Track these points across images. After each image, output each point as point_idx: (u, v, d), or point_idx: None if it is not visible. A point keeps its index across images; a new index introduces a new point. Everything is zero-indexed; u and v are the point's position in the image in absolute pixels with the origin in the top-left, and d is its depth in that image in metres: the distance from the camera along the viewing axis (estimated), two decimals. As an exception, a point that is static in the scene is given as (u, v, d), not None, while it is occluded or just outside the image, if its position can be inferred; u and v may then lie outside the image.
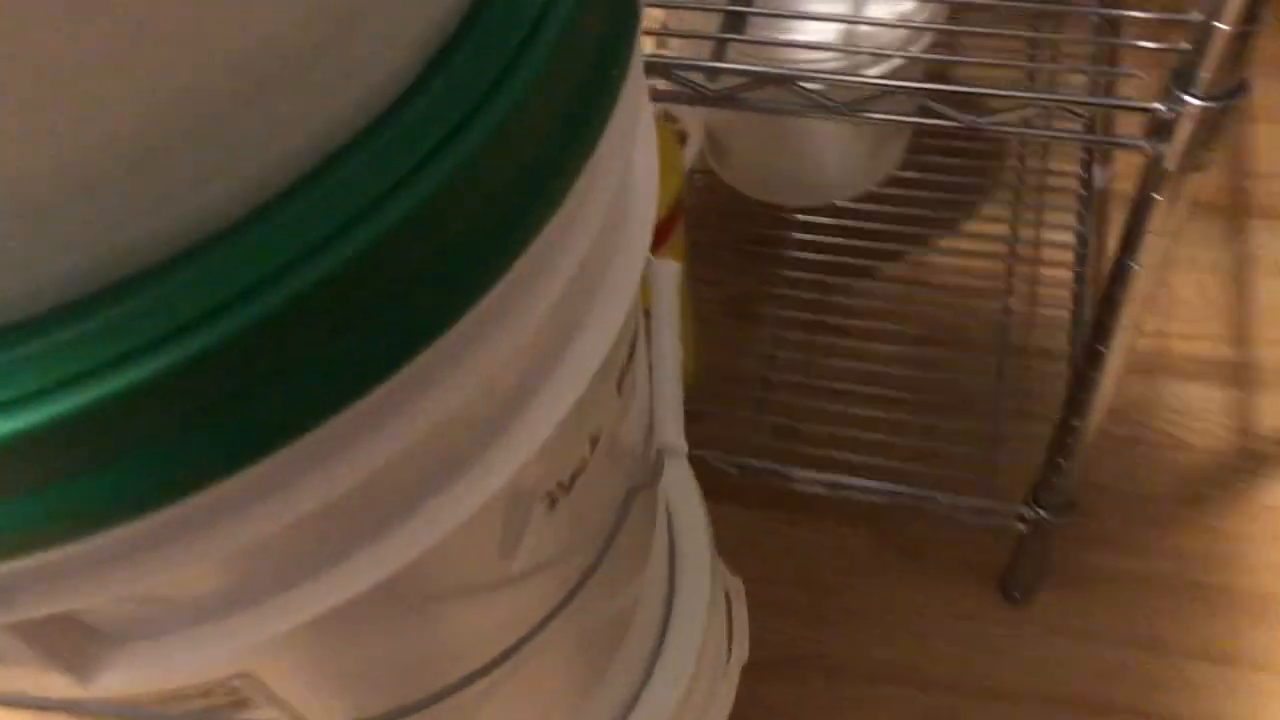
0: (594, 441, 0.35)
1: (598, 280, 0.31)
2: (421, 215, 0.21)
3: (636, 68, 0.29)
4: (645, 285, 0.44)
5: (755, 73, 0.54)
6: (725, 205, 1.00)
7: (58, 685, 0.26)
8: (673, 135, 0.72)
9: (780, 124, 0.90)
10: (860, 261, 0.97)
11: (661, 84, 0.55)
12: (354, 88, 0.21)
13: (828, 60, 0.67)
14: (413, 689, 0.35)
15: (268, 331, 0.20)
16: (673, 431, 0.41)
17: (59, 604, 0.24)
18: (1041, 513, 0.77)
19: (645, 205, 0.33)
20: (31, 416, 0.19)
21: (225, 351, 0.20)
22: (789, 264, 0.97)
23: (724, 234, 1.00)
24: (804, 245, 0.97)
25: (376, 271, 0.21)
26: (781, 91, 0.55)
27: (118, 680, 0.27)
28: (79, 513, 0.21)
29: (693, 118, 0.94)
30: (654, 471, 0.41)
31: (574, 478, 0.35)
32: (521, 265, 0.25)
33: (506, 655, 0.37)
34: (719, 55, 0.56)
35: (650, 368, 0.43)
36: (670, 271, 0.46)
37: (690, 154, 0.92)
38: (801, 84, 0.54)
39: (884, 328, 0.97)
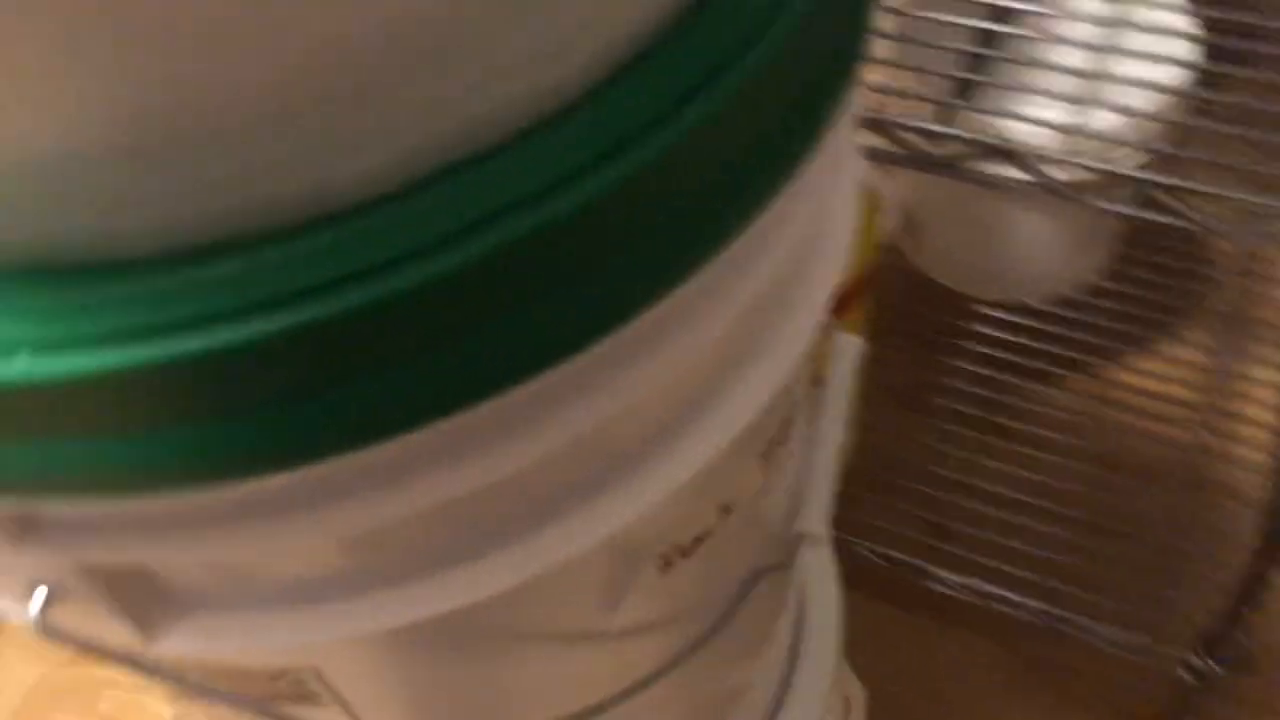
0: (724, 510, 0.32)
1: (776, 317, 0.28)
2: (682, 150, 0.20)
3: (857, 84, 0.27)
4: (819, 357, 0.41)
5: (983, 143, 0.51)
6: (909, 286, 0.96)
7: (120, 636, 0.25)
8: (864, 201, 0.69)
9: (982, 210, 0.86)
10: (1044, 366, 0.92)
11: (879, 142, 0.52)
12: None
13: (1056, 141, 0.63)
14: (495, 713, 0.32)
15: (522, 255, 0.19)
16: (817, 519, 0.38)
17: (137, 554, 0.23)
18: (1212, 664, 0.70)
19: (836, 249, 0.31)
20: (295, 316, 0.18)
21: (477, 273, 0.19)
22: (969, 357, 0.92)
23: (904, 315, 0.96)
24: (988, 340, 0.92)
25: (630, 206, 0.20)
26: (1004, 167, 0.51)
27: (180, 645, 0.25)
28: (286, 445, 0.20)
29: (889, 193, 0.90)
30: (789, 555, 0.38)
31: (695, 543, 0.32)
32: (738, 245, 0.23)
33: (593, 712, 0.35)
34: (942, 122, 0.52)
35: (809, 446, 0.40)
36: (852, 347, 0.43)
37: (884, 231, 0.89)
38: (1029, 160, 0.50)
39: (1060, 439, 0.91)
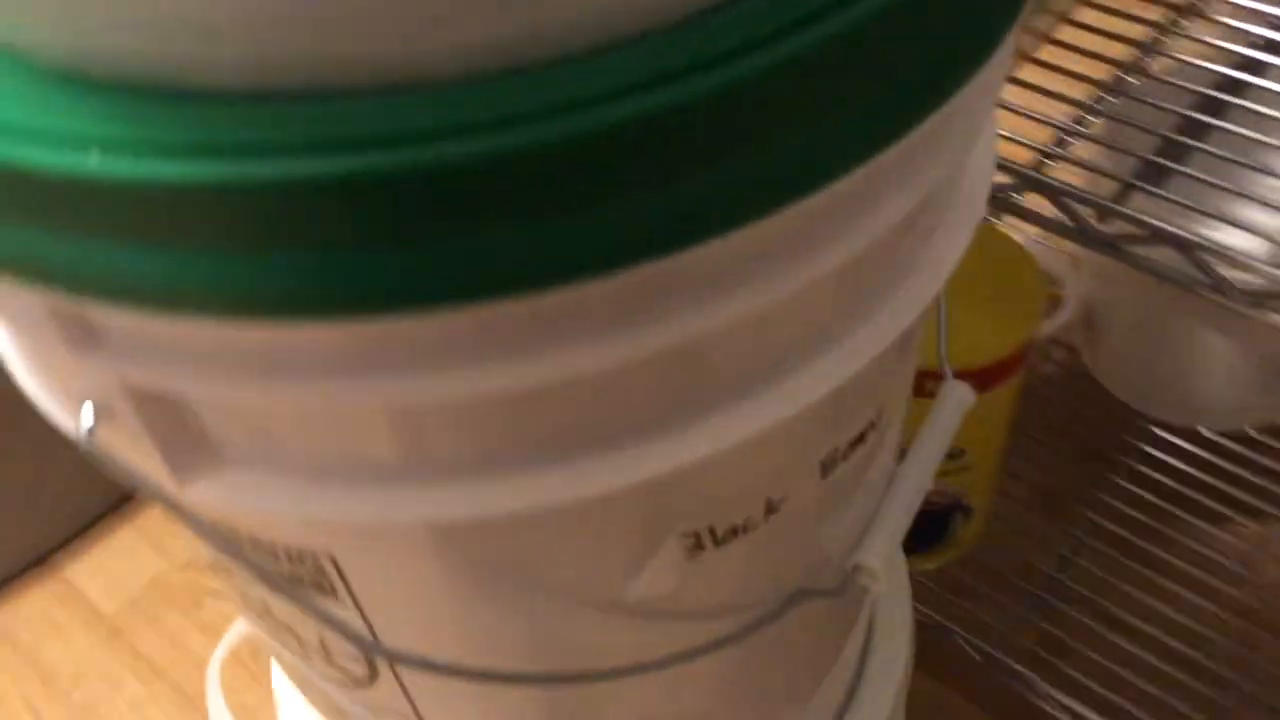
0: (769, 508, 0.31)
1: (906, 261, 0.29)
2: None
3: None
4: (916, 403, 0.39)
5: (1155, 227, 0.48)
6: (1078, 387, 0.92)
7: (156, 471, 0.26)
8: (1036, 276, 0.67)
9: (1167, 321, 0.82)
10: (1208, 501, 0.86)
11: (1045, 208, 0.50)
12: None
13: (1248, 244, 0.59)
14: (494, 658, 0.32)
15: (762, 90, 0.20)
16: (877, 554, 0.36)
17: (182, 383, 0.24)
18: None
19: (966, 214, 0.30)
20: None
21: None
22: (1125, 473, 0.87)
23: (1066, 416, 0.91)
24: (1150, 461, 0.87)
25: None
26: (1177, 260, 0.49)
27: (208, 493, 0.26)
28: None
29: (1073, 285, 0.87)
30: (840, 585, 0.37)
31: (730, 533, 0.31)
32: (919, 134, 0.24)
33: (596, 677, 0.34)
34: (1120, 203, 0.50)
35: (888, 479, 0.39)
36: (961, 396, 0.41)
37: (1058, 322, 0.86)
38: (1201, 254, 0.47)
39: (1209, 582, 0.84)
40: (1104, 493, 0.86)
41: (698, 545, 0.31)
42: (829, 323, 0.28)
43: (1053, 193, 0.49)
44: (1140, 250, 0.49)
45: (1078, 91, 0.56)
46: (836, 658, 0.48)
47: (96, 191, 0.20)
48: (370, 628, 0.32)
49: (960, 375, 0.64)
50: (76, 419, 0.26)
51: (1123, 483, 0.86)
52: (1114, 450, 0.89)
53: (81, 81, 0.21)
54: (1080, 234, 0.50)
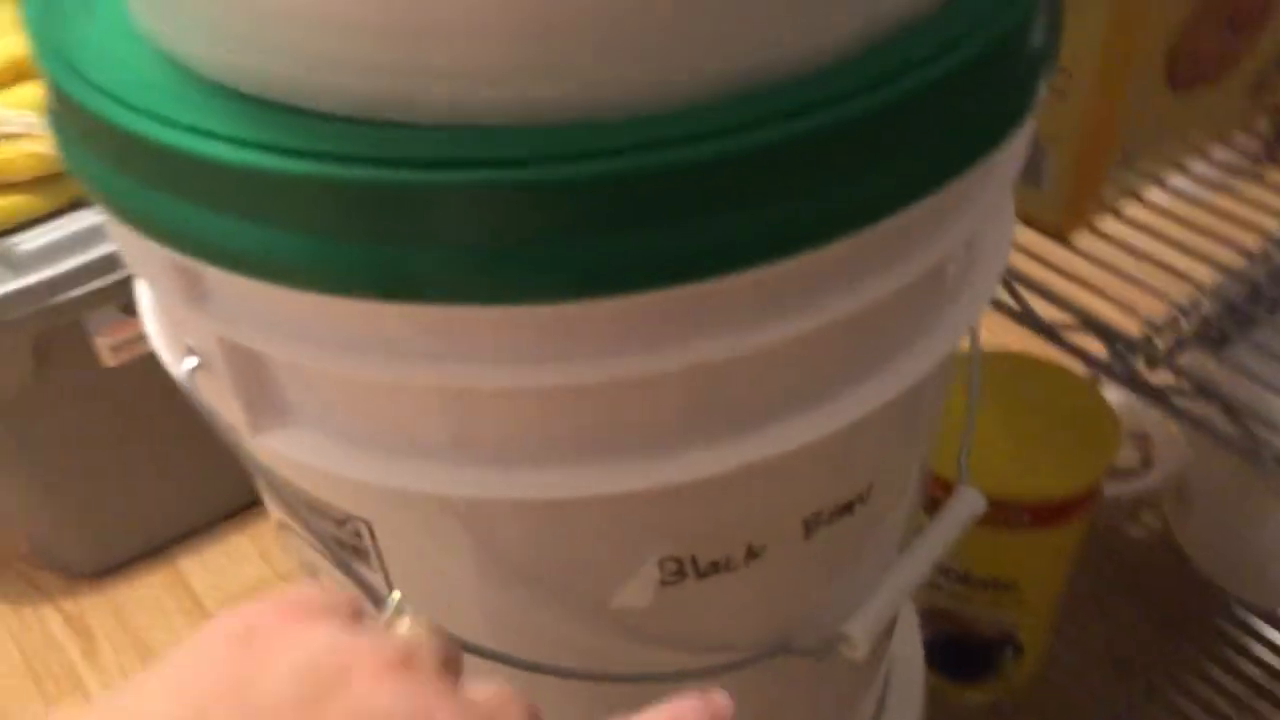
0: (750, 551, 0.35)
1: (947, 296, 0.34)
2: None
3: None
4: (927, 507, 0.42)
5: (1201, 382, 0.50)
6: (1160, 554, 0.91)
7: (235, 417, 0.32)
8: (1111, 426, 0.68)
9: (1257, 500, 0.81)
10: (1281, 691, 0.84)
11: (1097, 350, 0.53)
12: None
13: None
14: (497, 640, 0.36)
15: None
16: (861, 627, 0.39)
17: (272, 346, 0.30)
18: None
19: (989, 270, 0.36)
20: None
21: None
22: (1197, 648, 0.86)
23: (1143, 580, 0.90)
24: (1225, 639, 0.85)
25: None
26: (1226, 426, 0.51)
27: (275, 443, 0.32)
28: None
29: (1164, 448, 0.87)
30: (821, 649, 0.40)
31: (712, 568, 0.35)
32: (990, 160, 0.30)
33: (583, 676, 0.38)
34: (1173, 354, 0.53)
35: (885, 564, 0.42)
36: (971, 503, 0.44)
37: (1145, 484, 0.86)
38: (1245, 415, 0.49)
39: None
40: (1172, 663, 0.85)
41: (680, 572, 0.35)
42: (828, 375, 0.32)
43: (1105, 335, 0.52)
44: (1186, 404, 0.51)
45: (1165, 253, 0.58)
46: (853, 708, 0.50)
47: (224, 172, 0.26)
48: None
49: (1020, 509, 0.66)
50: (181, 363, 0.32)
51: (1199, 657, 0.85)
52: (1190, 623, 0.87)
53: (228, 92, 0.27)
54: (1128, 380, 0.52)
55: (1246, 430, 0.49)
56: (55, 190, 0.86)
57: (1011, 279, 0.56)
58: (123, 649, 0.97)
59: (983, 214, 0.32)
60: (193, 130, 0.26)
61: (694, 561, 0.35)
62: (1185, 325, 0.54)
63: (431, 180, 0.25)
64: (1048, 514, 0.67)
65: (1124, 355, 0.52)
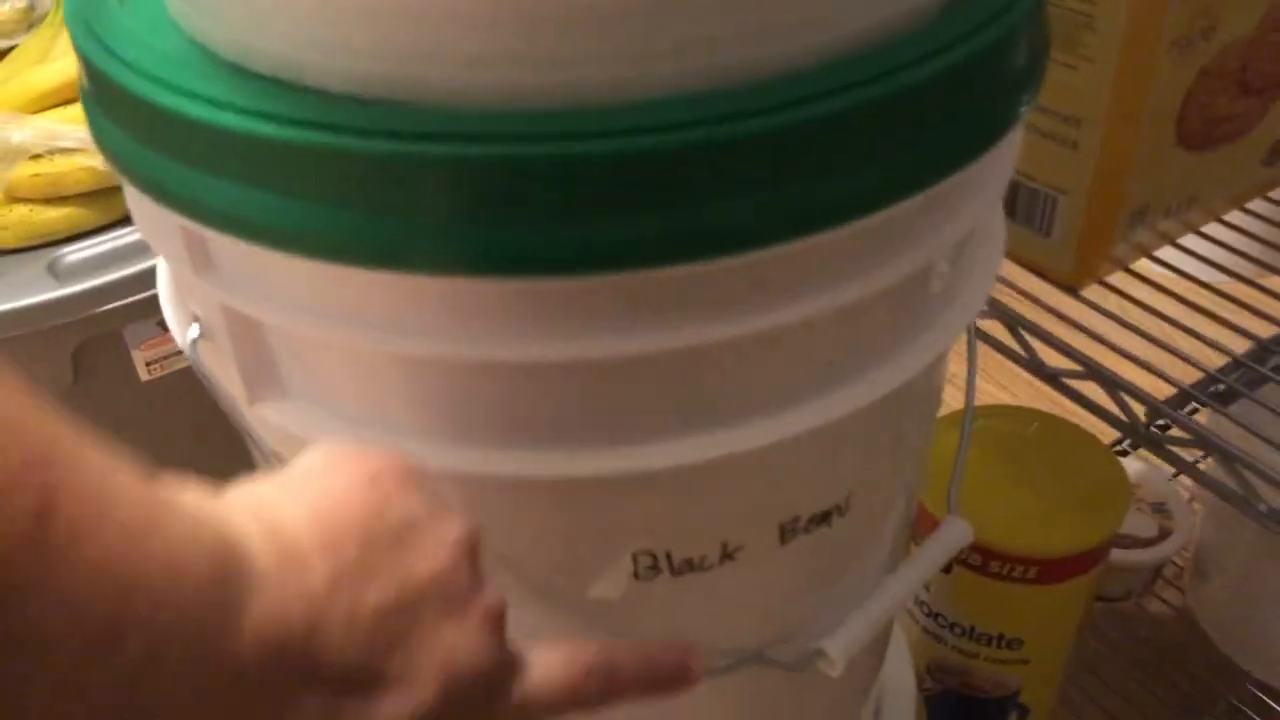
0: (725, 552, 0.36)
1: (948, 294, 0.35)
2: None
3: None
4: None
5: (1202, 435, 0.51)
6: (1177, 629, 0.90)
7: (234, 387, 0.33)
8: (1122, 488, 0.68)
9: (1273, 580, 0.80)
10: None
11: (1104, 401, 0.53)
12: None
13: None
14: None
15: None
16: (838, 644, 0.39)
17: (271, 316, 0.32)
18: None
19: (987, 265, 0.38)
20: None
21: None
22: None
23: (1159, 655, 0.89)
24: (1239, 717, 0.84)
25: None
26: (1224, 477, 0.51)
27: (270, 415, 0.33)
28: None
29: (1182, 519, 0.86)
30: (798, 662, 0.40)
31: (686, 565, 0.36)
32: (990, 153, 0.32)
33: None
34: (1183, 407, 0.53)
35: (870, 586, 0.42)
36: (959, 532, 0.44)
37: (1163, 553, 0.85)
38: (1249, 473, 0.49)
39: None
40: (1185, 738, 0.84)
41: (654, 567, 0.36)
42: (808, 374, 0.33)
43: (1108, 383, 0.52)
44: (1188, 456, 0.51)
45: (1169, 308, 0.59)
46: None
47: (234, 140, 0.28)
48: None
49: (1027, 563, 0.66)
50: (187, 332, 0.34)
51: (1208, 733, 0.84)
52: (1206, 701, 0.86)
53: (241, 71, 0.29)
54: (1130, 429, 0.52)
55: (1243, 481, 0.49)
56: (106, 205, 0.89)
57: (1020, 327, 0.56)
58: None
59: (966, 224, 0.33)
60: (198, 98, 0.28)
61: (669, 557, 0.36)
62: (1189, 381, 0.54)
63: (415, 152, 0.26)
64: (1055, 570, 0.67)
65: (1126, 404, 0.52)
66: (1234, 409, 0.53)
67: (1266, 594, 0.82)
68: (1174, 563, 0.92)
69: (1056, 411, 0.71)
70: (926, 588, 0.71)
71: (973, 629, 0.71)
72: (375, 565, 0.25)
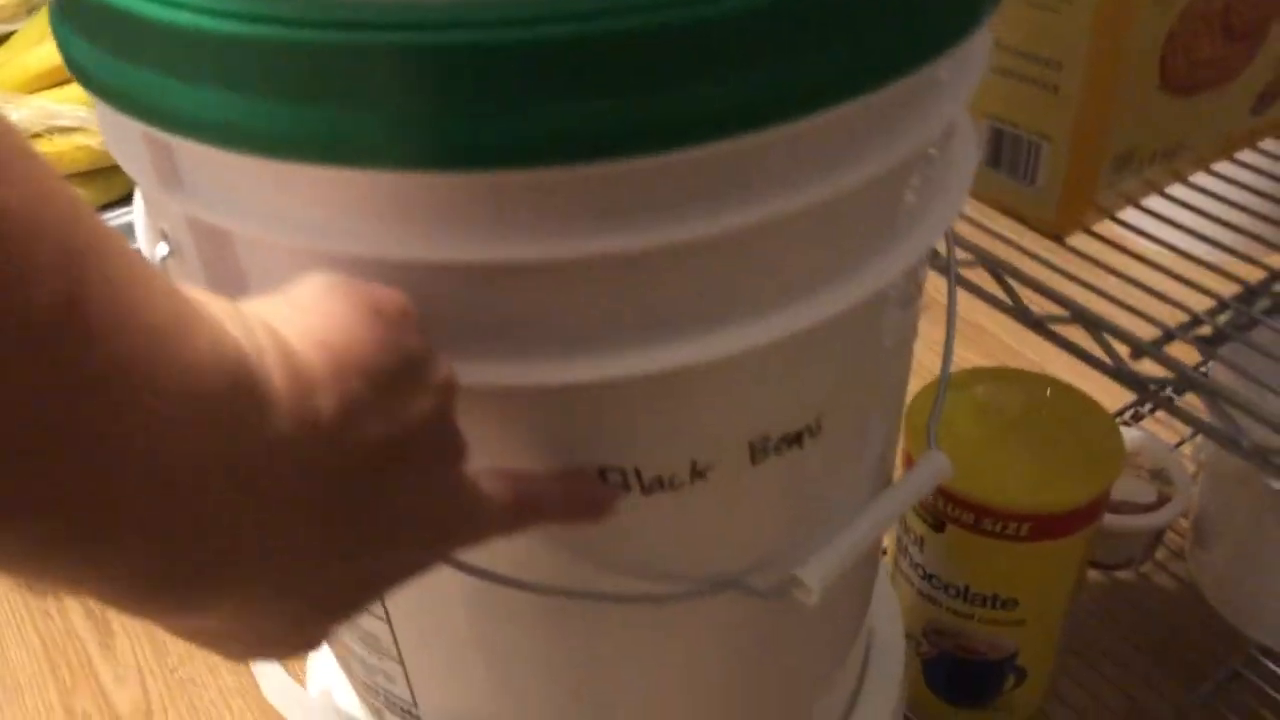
0: (695, 470, 0.36)
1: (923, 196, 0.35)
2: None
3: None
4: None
5: (1183, 370, 0.50)
6: (1179, 598, 0.89)
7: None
8: (1115, 446, 0.68)
9: (1274, 546, 0.80)
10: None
11: (1097, 350, 0.53)
12: None
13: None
14: None
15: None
16: (813, 572, 0.39)
17: (233, 223, 0.32)
18: None
19: (960, 179, 0.38)
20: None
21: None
22: (1213, 693, 0.83)
23: (1160, 624, 0.89)
24: (1243, 684, 0.83)
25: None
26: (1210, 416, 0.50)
27: None
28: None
29: (1182, 485, 0.86)
30: (773, 589, 0.40)
31: (657, 483, 0.36)
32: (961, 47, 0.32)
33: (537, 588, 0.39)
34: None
35: (847, 513, 0.42)
36: (938, 466, 0.44)
37: (1163, 519, 0.85)
38: (1229, 406, 0.49)
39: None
40: (1187, 707, 0.83)
41: (624, 484, 0.36)
42: (773, 281, 0.33)
43: (1094, 328, 0.52)
44: (1170, 395, 0.51)
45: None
46: (827, 677, 0.50)
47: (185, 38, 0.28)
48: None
49: (1017, 519, 0.66)
50: (153, 249, 0.34)
51: (1211, 702, 0.83)
52: (1209, 667, 0.85)
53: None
54: (1114, 371, 0.52)
55: (1227, 418, 0.49)
56: (105, 184, 0.90)
57: (1004, 273, 0.56)
58: (138, 642, 0.99)
59: (937, 126, 0.33)
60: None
61: (638, 475, 0.36)
62: (1175, 322, 0.54)
63: (372, 41, 0.26)
64: (1047, 527, 0.66)
65: (1110, 346, 0.52)
66: (1220, 352, 0.53)
67: (1267, 559, 0.82)
68: (1174, 532, 0.91)
69: (1040, 360, 0.71)
70: (920, 549, 0.71)
71: (967, 589, 0.70)
72: (378, 402, 0.26)
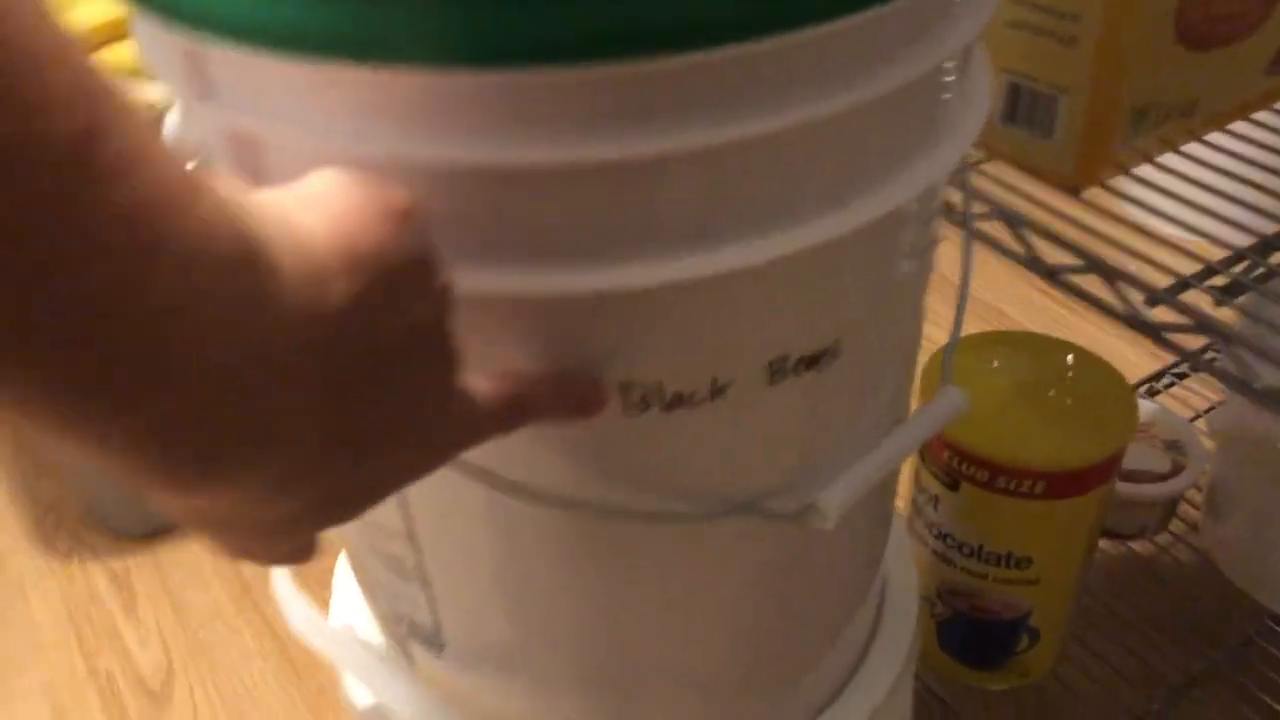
0: (715, 387, 0.37)
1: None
2: None
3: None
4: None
5: (1200, 316, 0.51)
6: (1192, 567, 0.89)
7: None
8: (1128, 405, 0.68)
9: (1291, 506, 0.80)
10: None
11: (1112, 300, 0.53)
12: None
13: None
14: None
15: None
16: (832, 498, 0.40)
17: (262, 129, 0.33)
18: None
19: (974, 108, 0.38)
20: None
21: None
22: (1226, 659, 0.84)
23: (1174, 593, 0.89)
24: (1255, 651, 0.83)
25: None
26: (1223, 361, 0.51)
27: None
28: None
29: (1194, 451, 0.86)
30: (793, 514, 0.41)
31: (677, 400, 0.37)
32: None
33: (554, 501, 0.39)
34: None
35: (866, 443, 0.42)
36: (955, 401, 0.45)
37: (1176, 487, 0.85)
38: (1241, 350, 0.50)
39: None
40: (1198, 672, 0.83)
41: (644, 403, 0.37)
42: (792, 192, 0.33)
43: (1106, 273, 0.53)
44: (1184, 341, 0.51)
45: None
46: (847, 614, 0.51)
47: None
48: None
49: (1032, 477, 0.66)
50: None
51: (1224, 670, 0.83)
52: (1222, 635, 0.86)
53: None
54: (1129, 319, 0.53)
55: (1242, 363, 0.49)
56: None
57: (1020, 224, 0.57)
58: (160, 606, 1.00)
59: (957, 41, 0.34)
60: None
61: (659, 390, 0.37)
62: (1191, 270, 0.54)
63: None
64: (1061, 485, 0.67)
65: (1124, 294, 0.52)
66: (1235, 302, 0.53)
67: (1277, 528, 0.82)
68: (1188, 504, 0.92)
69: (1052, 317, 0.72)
70: (935, 508, 0.72)
71: (981, 548, 0.71)
72: (384, 296, 0.26)
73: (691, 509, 0.40)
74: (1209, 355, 0.87)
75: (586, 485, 0.39)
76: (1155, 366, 1.06)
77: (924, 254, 0.42)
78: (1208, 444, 0.91)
